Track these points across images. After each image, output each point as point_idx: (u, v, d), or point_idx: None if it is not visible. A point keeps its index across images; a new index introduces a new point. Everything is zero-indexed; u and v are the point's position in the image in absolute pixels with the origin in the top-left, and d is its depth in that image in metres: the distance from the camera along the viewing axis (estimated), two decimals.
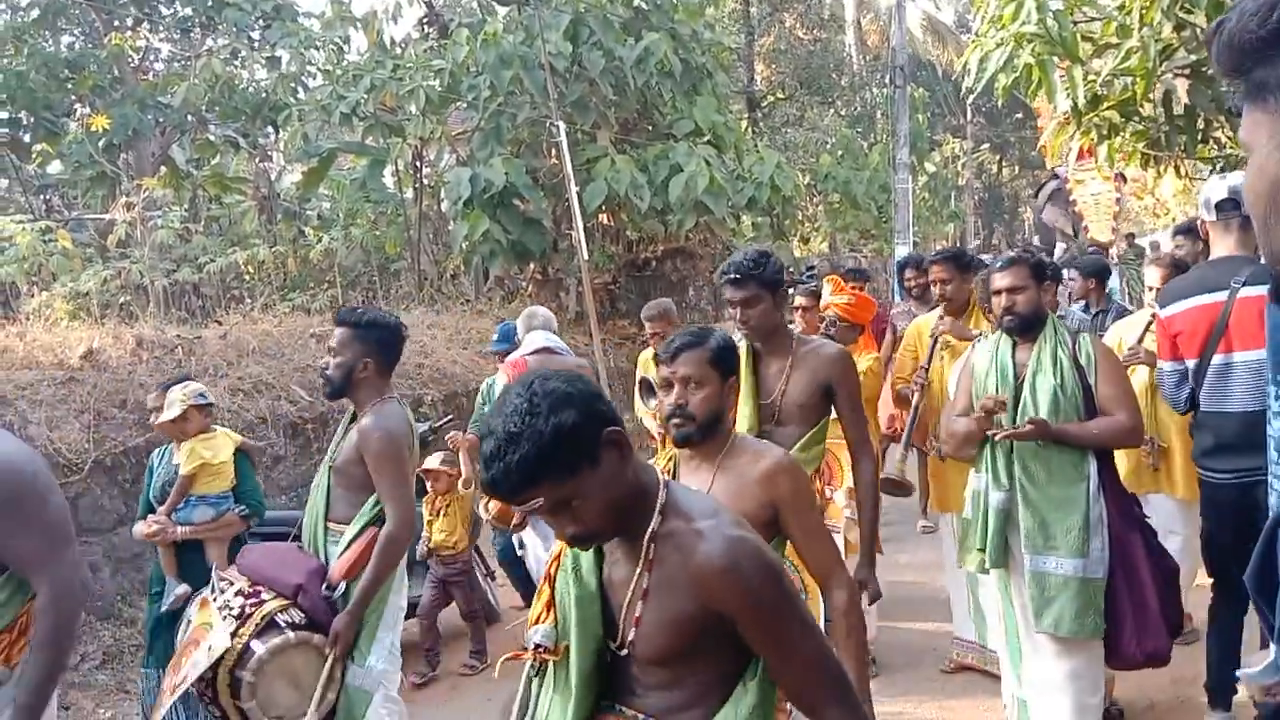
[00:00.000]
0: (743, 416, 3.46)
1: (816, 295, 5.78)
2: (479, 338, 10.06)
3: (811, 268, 11.26)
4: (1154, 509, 4.22)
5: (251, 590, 3.42)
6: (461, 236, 10.25)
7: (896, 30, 16.29)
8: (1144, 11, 4.57)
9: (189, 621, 3.60)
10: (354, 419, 3.61)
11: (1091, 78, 5.03)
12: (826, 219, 17.64)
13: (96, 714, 5.32)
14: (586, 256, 9.15)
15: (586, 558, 1.85)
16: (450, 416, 7.54)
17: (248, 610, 3.33)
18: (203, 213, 12.29)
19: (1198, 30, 4.70)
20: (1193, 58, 4.79)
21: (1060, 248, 11.72)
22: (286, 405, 7.00)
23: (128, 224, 9.41)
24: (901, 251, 15.05)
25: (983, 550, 3.64)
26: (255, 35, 13.29)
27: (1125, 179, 9.27)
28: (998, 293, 3.62)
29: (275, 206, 13.18)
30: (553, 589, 1.91)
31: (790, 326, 3.59)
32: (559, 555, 1.93)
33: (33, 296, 8.62)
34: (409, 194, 12.24)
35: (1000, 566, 3.64)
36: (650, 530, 1.73)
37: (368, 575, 3.38)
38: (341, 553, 3.43)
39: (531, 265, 11.61)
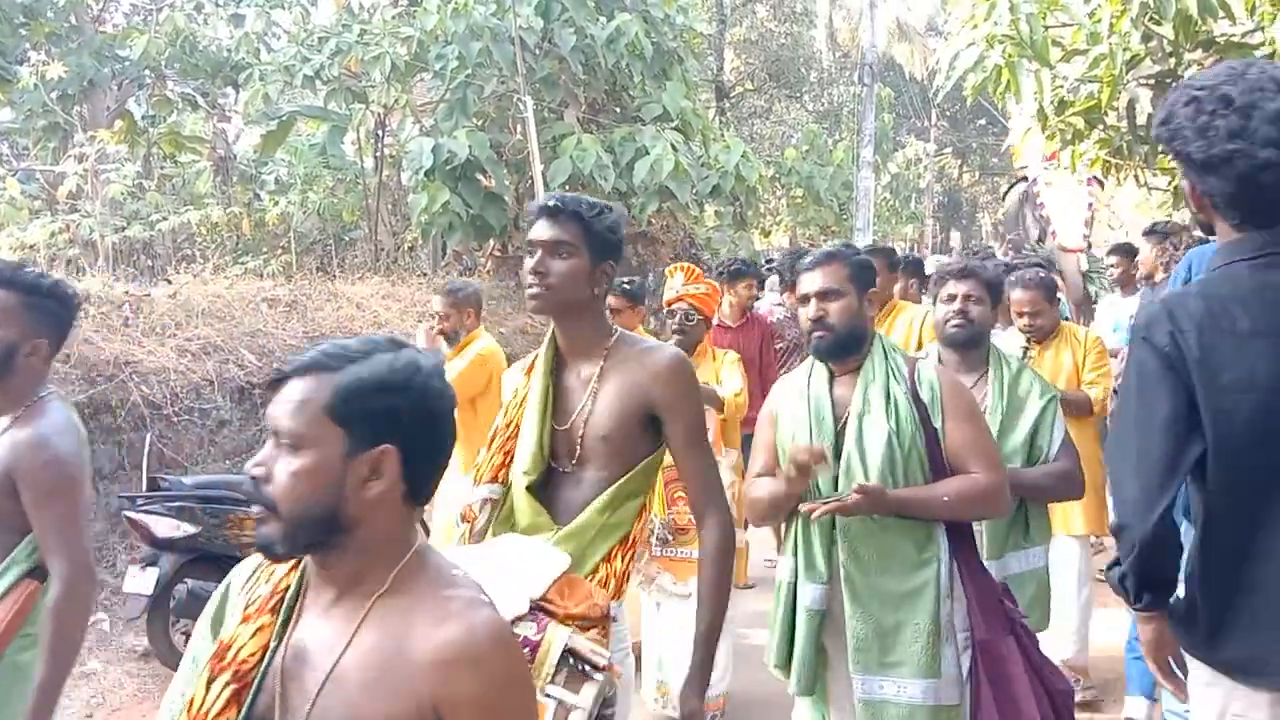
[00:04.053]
0: (524, 449, 2.32)
1: (634, 298, 4.80)
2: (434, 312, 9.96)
3: (771, 260, 11.27)
4: (1056, 550, 3.72)
5: None
6: (420, 208, 10.12)
7: (869, 28, 16.37)
8: (1114, 20, 4.63)
9: None
10: None
11: (1059, 82, 5.09)
12: (788, 212, 17.70)
13: None
14: None
15: None
16: None
17: None
18: (157, 170, 12.02)
19: (1164, 41, 4.77)
20: (1158, 68, 4.86)
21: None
22: (234, 369, 6.87)
23: (79, 177, 9.16)
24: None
25: (785, 667, 2.65)
26: None
27: (1102, 184, 9.22)
28: (805, 299, 2.67)
29: (231, 168, 12.94)
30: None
31: (609, 321, 2.44)
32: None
33: None
34: (369, 162, 12.06)
35: (809, 694, 2.63)
36: None
37: (49, 662, 2.29)
38: None
39: (491, 241, 11.49)
